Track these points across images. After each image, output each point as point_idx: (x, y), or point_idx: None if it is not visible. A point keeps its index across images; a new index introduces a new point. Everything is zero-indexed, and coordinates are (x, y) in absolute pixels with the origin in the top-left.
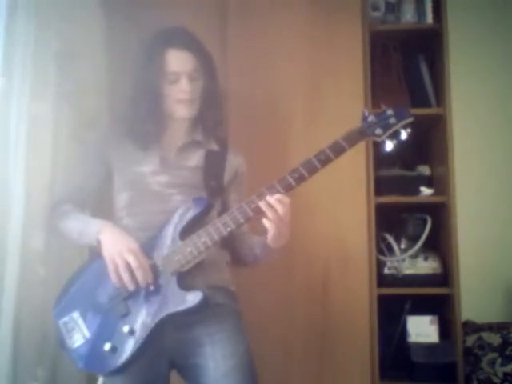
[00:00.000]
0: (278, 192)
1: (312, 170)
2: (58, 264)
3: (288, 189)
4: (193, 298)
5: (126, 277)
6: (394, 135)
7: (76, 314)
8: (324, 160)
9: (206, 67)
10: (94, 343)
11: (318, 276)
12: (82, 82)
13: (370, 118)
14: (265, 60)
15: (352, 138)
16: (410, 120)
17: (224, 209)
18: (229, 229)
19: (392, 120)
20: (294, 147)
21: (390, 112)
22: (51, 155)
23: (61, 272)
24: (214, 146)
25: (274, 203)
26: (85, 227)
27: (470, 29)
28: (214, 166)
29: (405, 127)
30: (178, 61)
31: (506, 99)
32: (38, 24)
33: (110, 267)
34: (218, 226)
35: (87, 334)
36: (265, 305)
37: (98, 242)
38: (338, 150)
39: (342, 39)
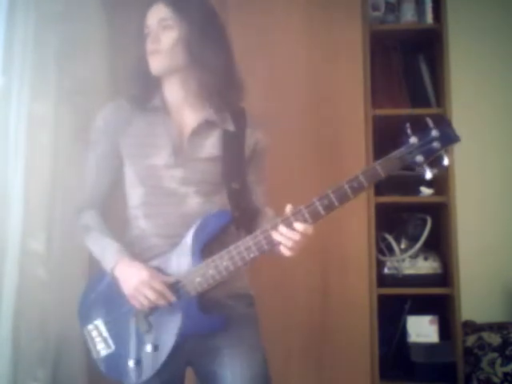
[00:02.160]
0: (304, 219)
1: (343, 198)
2: (58, 265)
3: (316, 217)
4: (214, 323)
5: (151, 305)
6: (436, 161)
7: (100, 323)
8: (357, 188)
9: (186, 11)
10: (119, 357)
11: (318, 276)
12: (83, 80)
13: (412, 140)
14: (264, 61)
15: (390, 167)
16: (456, 143)
17: (244, 190)
18: (252, 255)
19: (436, 144)
20: (294, 147)
21: (435, 133)
22: (51, 155)
23: (61, 273)
24: (231, 126)
25: (288, 233)
26: (102, 255)
27: (470, 29)
28: (232, 157)
29: (447, 151)
30: (150, 15)
31: (506, 99)
32: (38, 22)
33: (135, 303)
34: (241, 250)
35: (112, 346)
36: (264, 304)
37: (114, 277)
38: (373, 178)
39: (342, 39)
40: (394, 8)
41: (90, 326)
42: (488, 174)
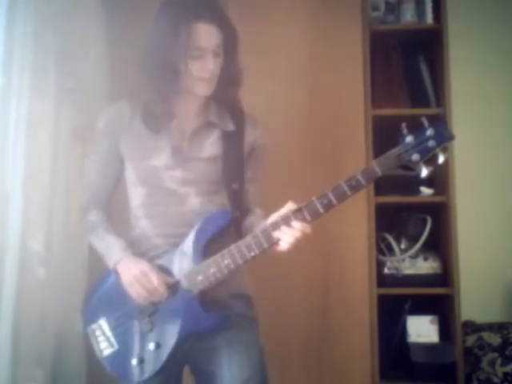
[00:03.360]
0: (304, 218)
1: (342, 196)
2: (58, 265)
3: (315, 216)
4: (214, 320)
5: (148, 297)
6: (432, 159)
7: (104, 323)
8: (355, 186)
9: (229, 42)
10: (121, 356)
11: (318, 276)
12: (82, 80)
13: (408, 139)
14: (264, 61)
15: (387, 165)
16: (450, 141)
17: (240, 187)
18: (252, 253)
19: (431, 143)
20: (294, 147)
21: (430, 132)
22: (51, 154)
23: (61, 273)
24: (230, 126)
25: (290, 231)
26: (106, 252)
27: (469, 29)
28: (233, 156)
29: (444, 150)
30: (205, 35)
31: (506, 99)
32: (38, 22)
33: (132, 293)
34: (242, 249)
35: (115, 345)
36: (264, 304)
37: (117, 273)
38: (370, 176)
39: (342, 39)
40: (393, 8)
41: (94, 326)
42: (488, 173)
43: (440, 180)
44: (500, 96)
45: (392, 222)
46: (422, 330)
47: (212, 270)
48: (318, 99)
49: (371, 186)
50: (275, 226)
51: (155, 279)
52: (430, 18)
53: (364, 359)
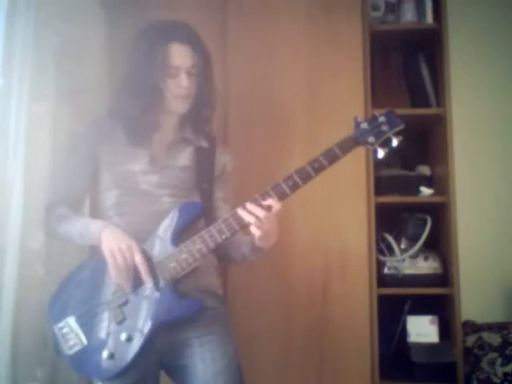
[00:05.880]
0: (271, 198)
1: (306, 177)
2: (57, 264)
3: (282, 196)
4: (190, 306)
5: (124, 272)
6: (386, 143)
7: (71, 320)
8: (318, 168)
9: (204, 64)
10: (92, 350)
11: (319, 276)
12: (82, 81)
13: (363, 125)
14: (265, 61)
15: (346, 146)
16: (401, 127)
17: (209, 207)
18: (224, 236)
19: (384, 127)
20: (294, 147)
21: (382, 119)
22: (50, 155)
23: (61, 272)
24: (204, 143)
25: (254, 209)
26: (85, 228)
27: (469, 29)
28: (204, 166)
29: (396, 134)
30: (179, 55)
31: (506, 99)
32: (38, 23)
33: (110, 261)
34: (213, 233)
35: (84, 341)
36: (265, 304)
37: (100, 240)
38: (331, 157)
39: (342, 39)
40: (394, 8)
41: (61, 324)
42: (488, 173)
43: (440, 180)
44: (500, 95)
45: (392, 222)
46: (421, 329)
47: (184, 256)
48: (318, 99)
49: (371, 186)
50: (244, 207)
51: (139, 258)
52: (430, 18)
53: (364, 359)
